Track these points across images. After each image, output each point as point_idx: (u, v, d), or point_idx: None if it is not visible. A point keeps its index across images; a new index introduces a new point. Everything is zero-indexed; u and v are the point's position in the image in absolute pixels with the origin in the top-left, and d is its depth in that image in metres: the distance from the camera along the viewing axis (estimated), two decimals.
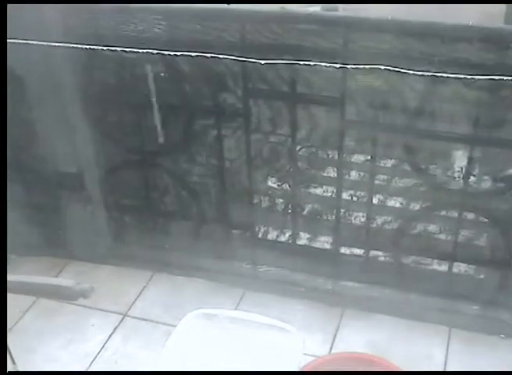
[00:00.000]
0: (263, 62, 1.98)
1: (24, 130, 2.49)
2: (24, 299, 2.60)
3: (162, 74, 2.25)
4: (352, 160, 2.24)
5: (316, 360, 2.19)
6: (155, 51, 2.04)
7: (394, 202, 2.28)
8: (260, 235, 2.52)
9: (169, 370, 2.06)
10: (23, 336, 2.44)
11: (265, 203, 2.45)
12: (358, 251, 2.43)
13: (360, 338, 2.36)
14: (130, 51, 2.06)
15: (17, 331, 2.46)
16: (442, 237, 2.27)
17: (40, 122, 2.48)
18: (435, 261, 2.34)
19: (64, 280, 1.44)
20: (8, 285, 1.44)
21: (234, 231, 2.57)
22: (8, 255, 2.75)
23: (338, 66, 1.93)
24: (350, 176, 2.27)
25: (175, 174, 2.52)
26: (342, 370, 2.12)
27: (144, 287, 2.66)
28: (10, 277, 1.44)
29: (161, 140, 2.41)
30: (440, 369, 2.25)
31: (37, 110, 2.45)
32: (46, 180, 2.62)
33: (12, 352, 2.35)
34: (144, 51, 2.07)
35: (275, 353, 2.15)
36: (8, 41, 1.80)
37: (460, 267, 2.34)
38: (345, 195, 2.31)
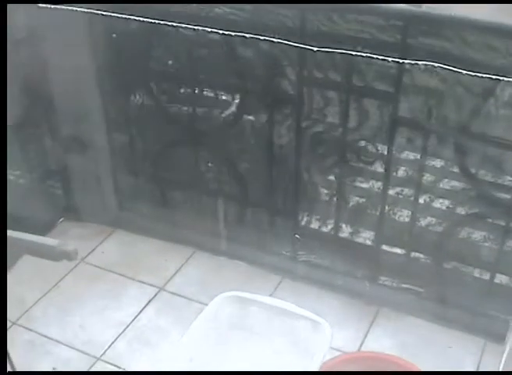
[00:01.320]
0: (315, 49, 1.97)
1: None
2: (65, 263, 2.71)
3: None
4: (401, 157, 2.21)
5: (341, 356, 2.20)
6: (209, 29, 2.07)
7: (440, 205, 2.24)
8: (302, 223, 2.52)
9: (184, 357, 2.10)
10: (61, 297, 2.54)
11: (310, 192, 2.44)
12: (399, 251, 2.39)
13: (392, 339, 2.33)
14: (186, 28, 2.09)
15: (57, 292, 2.56)
16: (487, 245, 2.22)
17: None
18: (477, 269, 2.29)
19: (49, 239, 1.47)
20: None
21: (277, 218, 2.57)
22: (58, 219, 2.89)
23: (391, 59, 1.90)
24: (397, 173, 2.24)
25: (223, 155, 2.55)
26: (366, 370, 2.10)
27: (184, 263, 2.70)
28: None
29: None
30: None
31: None
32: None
33: (49, 313, 2.47)
34: (201, 28, 2.09)
35: (302, 344, 2.16)
36: None
37: (501, 278, 2.28)
38: (391, 192, 2.27)
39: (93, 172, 2.78)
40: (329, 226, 2.47)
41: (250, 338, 2.23)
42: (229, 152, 2.54)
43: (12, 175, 2.73)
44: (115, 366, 2.31)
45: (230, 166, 2.58)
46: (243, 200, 2.61)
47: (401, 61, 1.92)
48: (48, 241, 1.48)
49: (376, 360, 2.15)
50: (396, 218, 2.32)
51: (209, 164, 2.58)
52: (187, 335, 2.13)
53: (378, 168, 2.26)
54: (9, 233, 1.38)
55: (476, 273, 2.30)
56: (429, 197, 2.23)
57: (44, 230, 2.73)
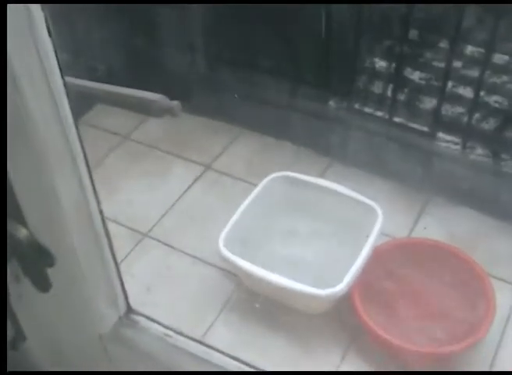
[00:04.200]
0: None
1: None
2: (113, 138, 2.74)
3: None
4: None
5: (391, 241, 2.21)
6: None
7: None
8: (356, 107, 2.48)
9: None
10: (106, 174, 2.55)
11: (368, 74, 2.38)
12: (455, 140, 2.34)
13: (442, 228, 2.32)
14: None
15: (102, 169, 2.58)
16: None
17: None
18: None
19: (149, 93, 1.39)
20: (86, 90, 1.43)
21: (331, 99, 2.52)
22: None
23: None
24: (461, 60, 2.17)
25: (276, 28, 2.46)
26: (417, 256, 2.14)
27: (231, 142, 2.69)
28: (87, 83, 1.43)
29: None
30: None
31: None
32: None
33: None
34: None
35: (354, 226, 2.19)
36: None
37: None
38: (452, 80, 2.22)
39: None
40: (385, 110, 2.43)
41: (302, 219, 2.26)
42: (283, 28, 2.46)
43: None
44: (162, 242, 2.36)
45: (284, 43, 2.50)
46: (296, 78, 2.54)
47: None
48: (147, 94, 1.40)
49: (427, 247, 2.17)
50: (456, 105, 2.27)
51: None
52: (238, 214, 2.14)
53: (443, 47, 2.18)
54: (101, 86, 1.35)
55: None
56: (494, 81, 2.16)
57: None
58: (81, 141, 0.98)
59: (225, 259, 2.05)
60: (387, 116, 2.42)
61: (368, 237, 2.05)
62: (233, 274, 2.17)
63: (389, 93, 2.37)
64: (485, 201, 2.34)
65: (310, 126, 2.58)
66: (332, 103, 2.52)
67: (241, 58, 2.61)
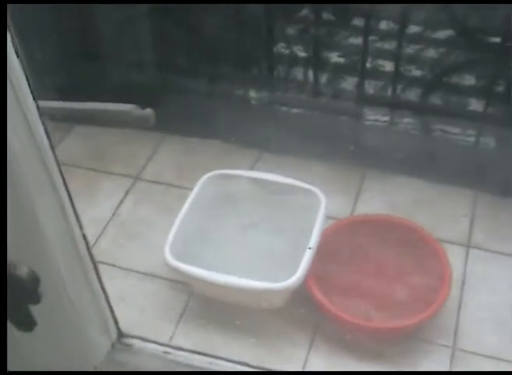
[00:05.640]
0: None
1: None
2: None
3: None
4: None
5: (336, 223, 2.20)
6: None
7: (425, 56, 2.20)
8: (279, 93, 2.46)
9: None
10: None
11: (286, 54, 2.35)
12: (382, 113, 2.37)
13: (383, 201, 2.35)
14: None
15: None
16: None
17: None
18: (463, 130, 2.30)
19: (122, 105, 1.32)
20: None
21: (252, 89, 2.49)
22: None
23: None
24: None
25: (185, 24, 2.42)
26: (363, 232, 2.15)
27: (155, 149, 2.62)
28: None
29: None
30: (465, 233, 2.25)
31: None
32: None
33: None
34: None
35: (296, 214, 2.17)
36: None
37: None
38: (373, 47, 2.22)
39: None
40: (308, 91, 2.42)
41: (244, 215, 2.23)
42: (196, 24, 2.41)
43: None
44: (103, 263, 2.25)
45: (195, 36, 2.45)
46: (211, 73, 2.51)
47: None
48: (119, 106, 1.33)
49: (374, 222, 2.18)
50: (379, 76, 2.28)
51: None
52: (179, 221, 2.09)
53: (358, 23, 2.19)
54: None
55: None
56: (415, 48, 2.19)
57: None
58: (59, 165, 0.99)
59: (175, 269, 2.00)
60: (311, 99, 2.41)
61: (314, 223, 2.04)
62: (185, 284, 2.11)
63: (310, 76, 2.36)
64: (421, 168, 2.37)
65: (234, 121, 2.54)
66: (253, 93, 2.49)
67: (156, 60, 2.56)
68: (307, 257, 1.96)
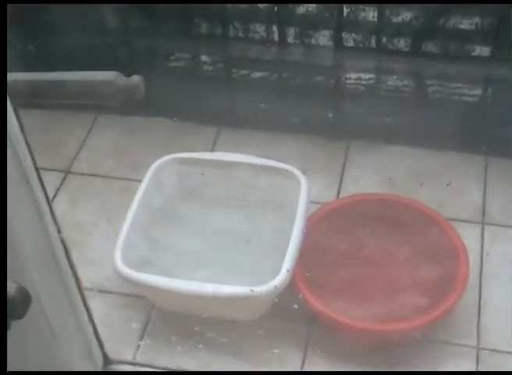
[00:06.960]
0: None
1: None
2: None
3: None
4: None
5: (320, 209, 2.01)
6: None
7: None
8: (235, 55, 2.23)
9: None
10: None
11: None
12: (366, 67, 2.19)
13: (374, 177, 2.19)
14: None
15: None
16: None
17: None
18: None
19: (102, 73, 1.16)
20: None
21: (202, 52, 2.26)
22: None
23: None
24: None
25: None
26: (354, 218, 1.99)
27: (87, 134, 2.38)
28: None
29: None
30: (479, 207, 2.11)
31: None
32: None
33: None
34: None
35: (273, 202, 2.02)
36: None
37: None
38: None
39: None
40: (273, 49, 2.20)
41: (212, 207, 2.07)
42: None
43: None
44: None
45: None
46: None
47: None
48: (98, 75, 1.19)
49: (363, 203, 2.02)
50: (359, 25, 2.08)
51: None
52: (129, 220, 1.88)
53: None
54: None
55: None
56: None
57: None
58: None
59: (131, 280, 1.81)
60: (277, 59, 2.22)
61: (295, 211, 1.88)
62: (142, 296, 1.93)
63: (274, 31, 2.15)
64: (417, 134, 2.22)
65: (182, 94, 2.29)
66: (204, 57, 2.27)
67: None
68: (291, 250, 1.79)
